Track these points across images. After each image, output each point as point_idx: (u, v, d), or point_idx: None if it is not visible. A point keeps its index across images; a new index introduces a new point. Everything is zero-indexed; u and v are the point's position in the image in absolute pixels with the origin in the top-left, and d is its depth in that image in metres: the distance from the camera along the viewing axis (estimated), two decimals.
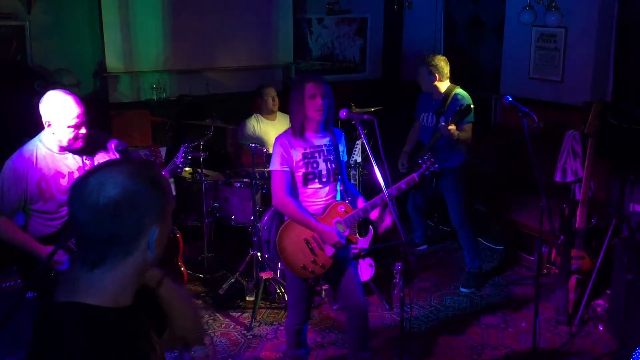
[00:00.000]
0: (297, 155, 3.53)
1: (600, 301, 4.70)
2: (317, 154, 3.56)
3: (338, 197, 3.68)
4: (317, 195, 3.59)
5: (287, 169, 3.52)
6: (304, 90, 3.49)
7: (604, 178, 5.08)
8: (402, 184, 3.59)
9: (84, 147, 3.30)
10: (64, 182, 3.28)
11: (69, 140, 3.21)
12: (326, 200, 3.62)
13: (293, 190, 3.57)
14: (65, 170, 3.30)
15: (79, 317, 1.39)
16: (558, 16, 5.93)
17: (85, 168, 3.30)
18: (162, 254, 1.51)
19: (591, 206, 4.58)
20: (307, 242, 3.56)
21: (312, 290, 3.81)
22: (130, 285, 1.47)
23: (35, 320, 1.48)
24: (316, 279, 3.73)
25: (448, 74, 5.09)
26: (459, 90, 5.06)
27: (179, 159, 3.69)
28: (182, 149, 3.53)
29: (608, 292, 4.71)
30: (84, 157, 3.34)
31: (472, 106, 4.80)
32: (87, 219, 1.39)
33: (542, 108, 5.60)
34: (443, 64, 5.07)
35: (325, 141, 3.61)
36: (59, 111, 3.15)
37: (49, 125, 3.19)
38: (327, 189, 3.61)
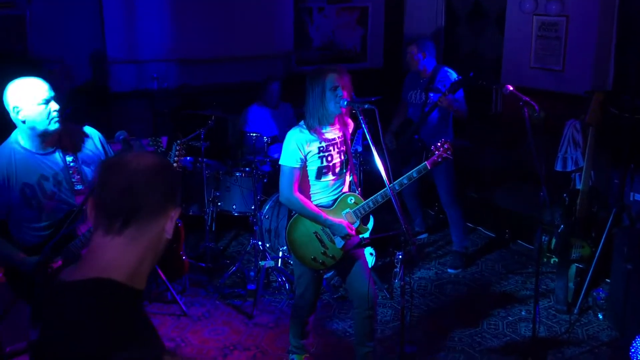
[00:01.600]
0: (312, 149, 3.46)
1: (599, 290, 4.72)
2: (331, 147, 3.52)
3: (346, 189, 3.67)
4: (329, 188, 3.57)
5: (298, 167, 3.46)
6: (325, 82, 3.39)
7: (604, 167, 5.08)
8: (413, 173, 3.55)
9: (67, 142, 3.10)
10: (49, 185, 3.04)
11: (45, 118, 2.96)
12: (337, 192, 3.60)
13: (303, 184, 3.53)
14: (48, 173, 3.06)
15: (105, 293, 1.43)
16: (559, 5, 5.91)
17: (70, 169, 3.08)
18: (168, 245, 1.57)
19: (591, 195, 4.58)
20: (317, 234, 3.56)
21: (320, 282, 3.82)
22: (146, 264, 1.52)
23: (50, 297, 1.50)
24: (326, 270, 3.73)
25: (435, 54, 5.32)
26: (446, 68, 5.24)
27: (172, 158, 3.60)
28: (174, 146, 3.48)
29: (608, 281, 4.73)
30: (67, 156, 3.10)
31: (471, 73, 4.89)
32: (122, 185, 1.47)
33: (543, 97, 5.59)
34: (430, 44, 5.29)
35: (339, 133, 3.57)
36: (25, 92, 2.94)
37: (19, 111, 2.94)
38: (339, 181, 3.59)
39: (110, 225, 1.48)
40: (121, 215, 1.47)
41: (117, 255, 1.47)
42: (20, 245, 3.07)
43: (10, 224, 3.10)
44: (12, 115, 2.98)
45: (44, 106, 2.95)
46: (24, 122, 2.97)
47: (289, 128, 3.61)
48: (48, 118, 2.97)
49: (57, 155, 3.08)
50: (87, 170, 3.13)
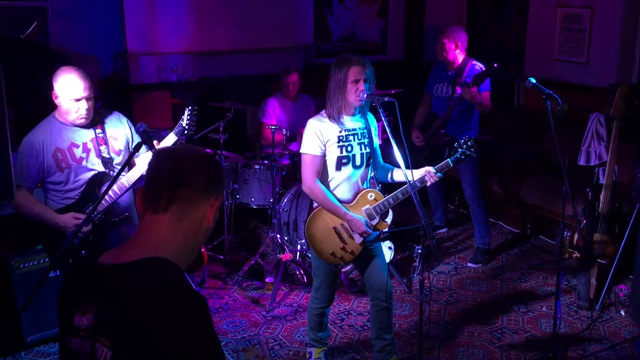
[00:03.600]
0: (331, 138, 3.45)
1: (622, 286, 4.65)
2: (351, 137, 3.49)
3: (367, 184, 3.64)
4: (349, 180, 3.54)
5: (319, 154, 3.45)
6: (348, 74, 3.37)
7: (628, 162, 5.00)
8: (436, 169, 3.52)
9: (97, 119, 3.46)
10: (78, 152, 3.40)
11: (74, 114, 3.34)
12: (357, 185, 3.58)
13: (323, 175, 3.51)
14: (79, 141, 3.41)
15: (163, 272, 1.50)
16: None
17: (98, 140, 3.44)
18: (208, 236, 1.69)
19: (615, 190, 4.51)
20: (336, 230, 3.54)
21: (337, 275, 3.81)
22: (189, 246, 1.62)
23: (101, 281, 1.53)
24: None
25: (466, 47, 5.22)
26: (475, 62, 5.15)
27: (184, 121, 3.65)
28: (185, 110, 3.52)
29: (630, 277, 4.66)
30: (97, 129, 3.46)
31: (495, 65, 4.81)
32: (170, 165, 1.61)
33: (566, 90, 5.51)
34: (464, 35, 5.19)
35: (360, 124, 3.54)
36: (64, 85, 3.30)
37: (56, 97, 3.33)
38: (359, 173, 3.56)
39: (157, 202, 1.59)
40: (167, 190, 1.58)
41: (165, 233, 1.58)
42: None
43: (44, 192, 3.49)
44: (54, 95, 3.35)
45: (75, 104, 3.31)
46: (60, 105, 3.36)
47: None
48: (77, 114, 3.35)
49: (88, 129, 3.45)
50: (114, 142, 3.51)
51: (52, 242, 3.44)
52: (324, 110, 3.52)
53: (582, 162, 5.19)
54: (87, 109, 3.34)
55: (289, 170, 5.46)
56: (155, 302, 1.42)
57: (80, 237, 3.36)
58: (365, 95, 3.39)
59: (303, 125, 3.61)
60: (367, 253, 3.63)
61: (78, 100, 3.31)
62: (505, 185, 6.03)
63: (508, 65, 6.85)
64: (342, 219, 3.50)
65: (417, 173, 3.51)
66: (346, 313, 4.57)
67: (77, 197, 3.43)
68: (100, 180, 3.42)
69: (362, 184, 3.61)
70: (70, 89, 3.29)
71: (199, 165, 1.63)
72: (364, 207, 3.54)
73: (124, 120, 3.63)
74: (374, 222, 3.55)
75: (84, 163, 3.41)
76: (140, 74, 6.43)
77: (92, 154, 3.44)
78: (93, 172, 3.43)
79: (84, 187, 3.42)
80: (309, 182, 3.48)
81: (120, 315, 1.44)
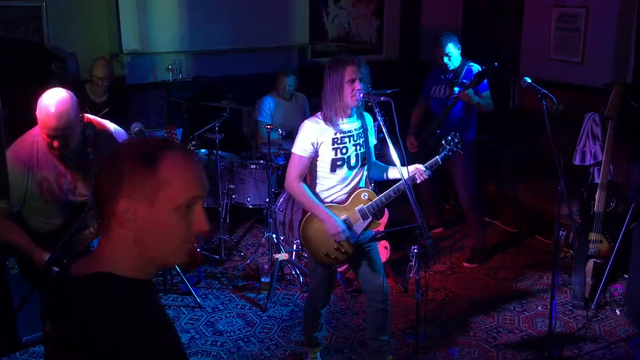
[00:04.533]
0: (326, 141, 3.44)
1: (617, 285, 4.66)
2: (346, 139, 3.48)
3: (362, 184, 3.63)
4: (344, 182, 3.54)
5: (306, 156, 3.45)
6: (343, 74, 3.35)
7: (623, 161, 5.01)
8: (425, 167, 3.54)
9: (88, 143, 3.16)
10: (66, 181, 3.14)
11: (48, 147, 3.05)
12: (352, 186, 3.57)
13: (318, 176, 3.52)
14: (65, 169, 3.16)
15: (105, 287, 1.40)
16: None
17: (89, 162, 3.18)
18: (171, 249, 1.46)
19: (610, 190, 4.53)
20: None
21: (333, 275, 3.81)
22: (138, 262, 1.44)
23: (59, 292, 1.48)
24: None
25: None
26: (471, 63, 5.17)
27: None
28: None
29: (626, 276, 4.67)
30: (88, 150, 3.19)
31: (496, 64, 4.82)
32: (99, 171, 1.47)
33: (561, 90, 5.52)
34: (457, 39, 5.24)
35: (355, 125, 3.54)
36: (41, 115, 3.01)
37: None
38: (354, 175, 3.55)
39: (101, 212, 1.45)
40: (96, 209, 1.45)
41: (113, 244, 1.44)
42: (31, 233, 3.12)
43: (23, 211, 3.18)
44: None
45: (52, 140, 3.01)
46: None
47: (304, 119, 3.59)
48: (50, 147, 3.05)
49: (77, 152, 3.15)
50: None
51: (26, 259, 3.17)
52: (319, 113, 3.50)
53: (577, 161, 5.21)
54: (60, 147, 3.02)
55: (285, 170, 5.46)
56: (85, 325, 1.36)
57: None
58: (361, 95, 3.39)
59: (298, 125, 3.61)
60: (363, 253, 3.62)
61: (52, 138, 3.00)
62: (501, 184, 6.04)
63: (504, 65, 6.86)
64: (317, 217, 3.47)
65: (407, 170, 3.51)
66: (342, 313, 4.57)
67: (61, 224, 3.16)
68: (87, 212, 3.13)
69: (358, 183, 3.60)
70: (45, 123, 2.99)
71: (112, 164, 1.42)
72: (358, 207, 3.54)
73: (115, 135, 3.34)
74: (367, 222, 3.54)
75: (70, 196, 3.14)
76: (136, 73, 6.41)
77: (81, 184, 3.18)
78: (81, 203, 3.16)
79: (69, 214, 3.15)
80: (289, 179, 3.49)
81: (60, 333, 1.41)
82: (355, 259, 3.65)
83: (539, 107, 3.59)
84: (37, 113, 3.01)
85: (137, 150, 1.43)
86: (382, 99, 3.37)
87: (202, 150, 5.57)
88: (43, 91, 3.11)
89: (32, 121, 3.26)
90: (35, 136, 3.13)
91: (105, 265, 1.42)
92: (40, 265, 3.01)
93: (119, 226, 1.42)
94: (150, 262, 1.47)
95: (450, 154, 3.63)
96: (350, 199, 3.55)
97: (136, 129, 3.35)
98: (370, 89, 3.46)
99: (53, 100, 2.98)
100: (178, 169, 1.42)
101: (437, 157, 3.60)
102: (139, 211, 1.40)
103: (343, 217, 3.50)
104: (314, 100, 5.49)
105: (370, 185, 3.67)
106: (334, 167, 3.49)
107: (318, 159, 3.49)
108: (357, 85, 3.36)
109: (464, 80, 5.02)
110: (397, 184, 3.45)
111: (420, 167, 3.53)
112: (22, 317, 4.00)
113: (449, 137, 3.65)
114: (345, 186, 3.55)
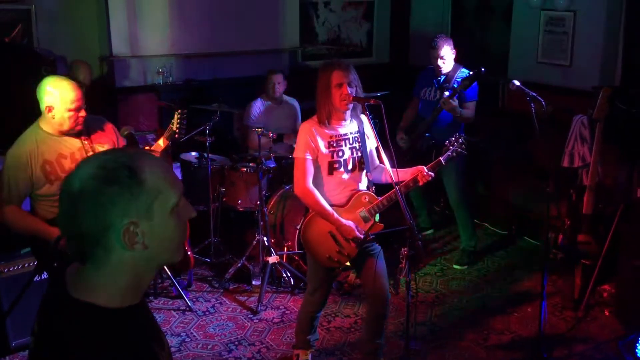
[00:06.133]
0: (322, 143, 3.45)
1: (606, 286, 4.69)
2: (342, 142, 3.49)
3: (363, 187, 3.63)
4: (343, 185, 3.54)
5: (310, 158, 3.45)
6: (331, 78, 3.39)
7: (611, 163, 5.05)
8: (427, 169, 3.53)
9: (83, 128, 3.42)
10: (66, 162, 3.37)
11: (71, 124, 3.31)
12: (351, 189, 3.57)
13: (316, 179, 3.51)
14: (66, 152, 3.39)
15: (83, 318, 1.36)
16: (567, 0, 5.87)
17: (86, 149, 3.43)
18: (174, 249, 1.46)
19: (598, 191, 4.56)
20: (332, 234, 3.53)
21: (333, 279, 3.81)
22: (131, 284, 1.41)
23: (45, 307, 1.46)
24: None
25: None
26: (464, 70, 5.17)
27: (174, 125, 3.68)
28: (175, 114, 3.55)
29: (614, 277, 4.70)
30: (83, 138, 3.44)
31: (483, 69, 4.81)
32: (63, 212, 1.39)
33: (550, 93, 5.55)
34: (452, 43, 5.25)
35: (351, 129, 3.54)
36: (60, 96, 3.25)
37: (50, 110, 3.28)
38: (352, 178, 3.55)
39: (73, 255, 1.41)
40: (72, 245, 1.39)
41: (102, 277, 1.39)
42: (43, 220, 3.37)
43: (32, 200, 3.44)
44: (43, 107, 3.29)
45: (75, 112, 3.29)
46: (53, 117, 3.29)
47: (294, 123, 3.61)
48: (75, 122, 3.32)
49: (75, 138, 3.42)
50: (101, 150, 3.39)
51: (40, 245, 3.41)
52: (316, 115, 3.53)
53: (565, 163, 5.24)
54: (83, 117, 3.34)
55: (276, 172, 5.46)
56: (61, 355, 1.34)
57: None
58: (351, 98, 3.39)
59: (288, 128, 3.62)
60: (365, 257, 3.60)
61: (75, 110, 3.29)
62: (490, 186, 6.07)
63: (492, 68, 6.90)
64: (332, 224, 3.48)
65: (409, 172, 3.52)
66: (333, 315, 4.58)
67: None
68: None
69: (357, 186, 3.60)
70: (67, 100, 3.26)
71: (93, 196, 1.35)
72: (359, 210, 3.55)
73: (109, 125, 3.61)
74: (369, 225, 3.55)
75: None
76: (126, 77, 6.40)
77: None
78: None
79: None
80: (301, 184, 3.47)
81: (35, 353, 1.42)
82: (359, 262, 3.65)
83: (528, 110, 3.61)
84: (51, 97, 3.24)
85: (105, 175, 1.34)
86: (372, 102, 3.38)
87: (192, 153, 5.57)
88: (33, 95, 3.31)
89: (21, 123, 3.44)
90: (33, 130, 3.36)
91: (90, 295, 1.38)
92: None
93: (122, 250, 1.36)
94: (144, 283, 1.46)
95: (455, 154, 3.62)
96: (351, 202, 3.56)
97: (126, 133, 3.38)
98: (360, 92, 3.47)
99: (59, 79, 3.31)
100: (158, 173, 1.40)
101: (441, 158, 3.58)
102: (140, 227, 1.36)
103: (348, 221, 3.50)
104: (306, 102, 5.51)
105: (372, 188, 3.66)
106: (331, 169, 3.50)
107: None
108: (345, 89, 3.37)
109: (455, 85, 5.03)
110: (397, 187, 3.45)
111: (423, 168, 3.52)
112: (11, 321, 3.98)
113: (453, 138, 3.63)
114: (343, 189, 3.55)
